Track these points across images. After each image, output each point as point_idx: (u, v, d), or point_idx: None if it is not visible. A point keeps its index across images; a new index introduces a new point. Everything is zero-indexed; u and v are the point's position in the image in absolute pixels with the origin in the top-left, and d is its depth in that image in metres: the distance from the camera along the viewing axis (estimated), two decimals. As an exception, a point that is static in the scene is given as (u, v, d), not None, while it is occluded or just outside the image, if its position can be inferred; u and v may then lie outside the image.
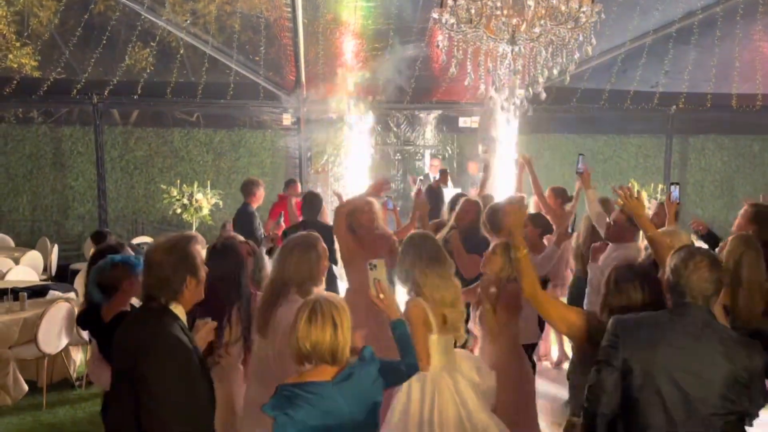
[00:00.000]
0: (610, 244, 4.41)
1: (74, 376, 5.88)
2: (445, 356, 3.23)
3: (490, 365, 3.52)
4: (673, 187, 4.10)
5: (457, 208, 4.91)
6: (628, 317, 2.42)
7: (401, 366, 2.51)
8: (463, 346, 3.58)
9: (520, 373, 3.68)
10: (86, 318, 3.37)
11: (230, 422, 3.21)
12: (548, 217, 5.06)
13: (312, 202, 5.69)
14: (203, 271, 2.48)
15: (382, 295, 2.64)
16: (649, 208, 9.45)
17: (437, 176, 9.31)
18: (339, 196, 5.81)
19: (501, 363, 3.57)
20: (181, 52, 10.21)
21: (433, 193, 6.60)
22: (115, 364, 2.42)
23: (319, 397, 2.17)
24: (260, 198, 6.82)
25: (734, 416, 2.30)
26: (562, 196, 5.68)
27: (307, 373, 2.25)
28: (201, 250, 2.51)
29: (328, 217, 6.12)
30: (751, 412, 2.37)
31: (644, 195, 9.57)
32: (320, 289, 3.15)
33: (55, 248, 8.99)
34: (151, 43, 10.06)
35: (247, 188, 6.79)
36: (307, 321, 2.22)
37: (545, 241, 4.89)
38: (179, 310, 2.41)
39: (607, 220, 4.46)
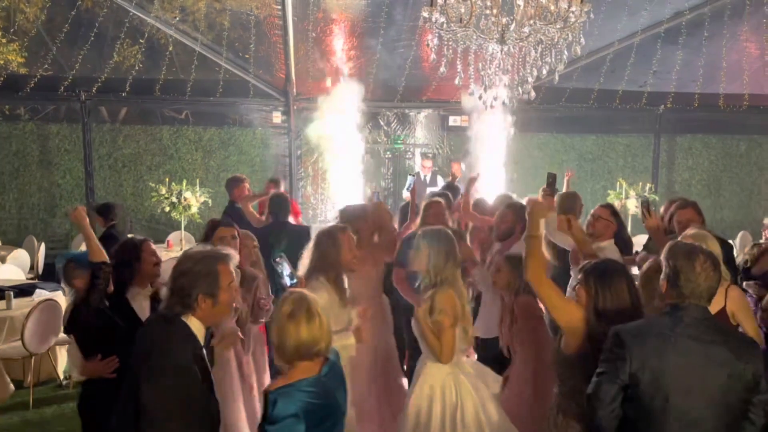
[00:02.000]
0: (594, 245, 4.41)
1: (61, 375, 5.84)
2: (457, 355, 3.26)
3: (514, 377, 3.52)
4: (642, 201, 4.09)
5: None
6: (629, 327, 2.33)
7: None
8: None
9: (544, 386, 3.43)
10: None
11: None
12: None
13: (282, 203, 5.57)
14: (226, 294, 2.41)
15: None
16: (638, 207, 9.57)
17: (428, 175, 9.34)
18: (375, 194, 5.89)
19: (524, 375, 3.51)
20: (170, 49, 10.15)
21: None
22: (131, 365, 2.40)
23: (312, 392, 2.21)
24: (244, 193, 6.72)
25: (742, 420, 2.27)
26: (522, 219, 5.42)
27: (291, 373, 2.26)
28: (231, 271, 2.44)
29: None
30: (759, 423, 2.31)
31: (632, 193, 9.65)
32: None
33: (42, 247, 8.92)
34: (140, 40, 9.99)
35: (229, 186, 6.73)
36: (294, 318, 2.24)
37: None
38: (194, 323, 2.35)
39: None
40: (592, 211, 4.52)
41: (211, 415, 2.36)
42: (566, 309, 2.66)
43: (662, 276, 2.40)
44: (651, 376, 2.22)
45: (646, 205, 3.96)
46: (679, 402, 2.20)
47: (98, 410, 3.03)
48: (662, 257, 2.42)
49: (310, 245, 3.56)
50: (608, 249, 4.32)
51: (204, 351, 2.41)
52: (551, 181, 4.64)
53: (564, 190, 5.82)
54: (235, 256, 2.52)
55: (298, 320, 2.23)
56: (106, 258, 3.21)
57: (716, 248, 3.02)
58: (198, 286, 2.33)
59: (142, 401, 2.18)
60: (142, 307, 3.27)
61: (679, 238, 3.17)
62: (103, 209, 6.17)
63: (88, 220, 3.30)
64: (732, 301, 3.22)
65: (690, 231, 3.44)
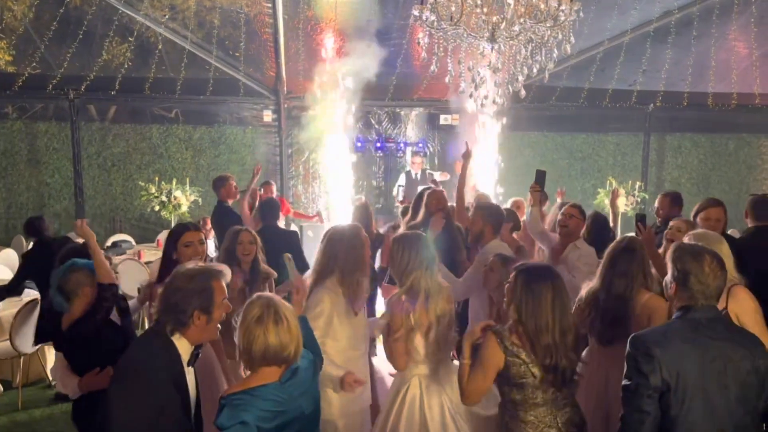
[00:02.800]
0: (570, 244, 4.45)
1: (50, 375, 5.80)
2: (432, 367, 3.11)
3: None
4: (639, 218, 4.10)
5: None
6: (649, 334, 2.34)
7: (317, 360, 2.54)
8: None
9: None
10: (45, 329, 3.30)
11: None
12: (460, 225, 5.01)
13: (271, 208, 5.57)
14: (219, 311, 2.38)
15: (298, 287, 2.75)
16: (627, 205, 9.64)
17: (419, 173, 9.34)
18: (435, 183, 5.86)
19: None
20: (160, 47, 10.10)
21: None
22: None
23: (270, 400, 2.16)
24: (231, 192, 6.70)
25: (756, 415, 2.33)
26: (513, 219, 5.17)
27: (250, 378, 2.21)
28: (224, 287, 2.42)
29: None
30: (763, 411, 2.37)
31: (622, 191, 9.70)
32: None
33: (31, 246, 8.84)
34: (129, 38, 9.92)
35: (216, 186, 6.71)
36: (261, 323, 2.17)
37: (515, 236, 5.00)
38: (182, 343, 2.32)
39: (551, 234, 4.59)
40: (563, 209, 4.57)
41: None
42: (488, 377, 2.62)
43: (669, 278, 2.42)
44: (679, 380, 2.24)
45: (642, 221, 4.01)
46: (707, 402, 2.25)
47: (96, 420, 3.02)
48: (669, 260, 2.44)
49: (320, 246, 3.36)
50: (583, 248, 4.36)
51: (185, 370, 2.36)
52: (540, 178, 4.71)
53: (556, 203, 5.87)
54: (227, 272, 2.47)
55: (266, 324, 2.17)
56: (114, 279, 3.18)
57: (725, 249, 3.06)
58: (193, 302, 2.30)
59: (110, 413, 2.14)
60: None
61: (685, 239, 3.17)
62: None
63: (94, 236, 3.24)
64: (736, 302, 3.10)
65: (694, 232, 3.43)
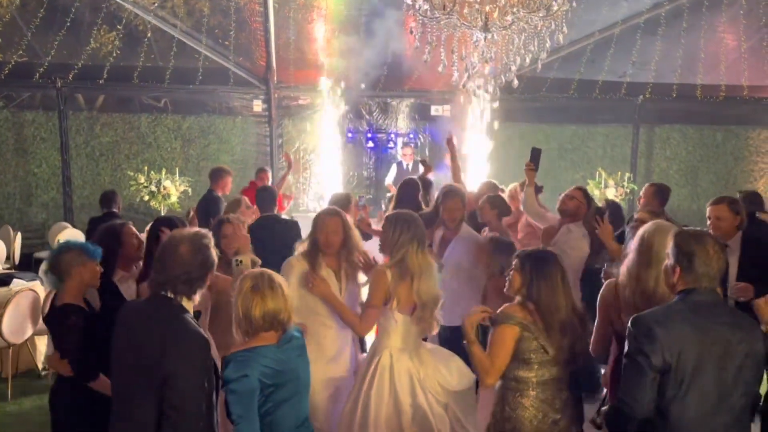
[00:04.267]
0: (563, 226, 4.48)
1: (40, 365, 5.77)
2: (405, 341, 3.27)
3: None
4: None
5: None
6: (650, 315, 2.37)
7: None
8: None
9: None
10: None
11: None
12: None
13: (268, 197, 5.49)
14: (213, 275, 2.56)
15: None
16: (616, 196, 9.69)
17: (410, 164, 9.33)
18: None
19: None
20: (149, 35, 10.00)
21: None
22: (131, 359, 2.38)
23: (270, 358, 2.39)
24: (226, 187, 6.69)
25: (750, 399, 2.38)
26: (500, 206, 5.04)
27: (250, 341, 2.43)
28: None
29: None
30: (760, 393, 2.47)
31: (611, 182, 9.77)
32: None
33: (18, 236, 8.77)
34: (118, 27, 9.82)
35: (216, 175, 6.69)
36: (253, 290, 2.41)
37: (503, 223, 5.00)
38: (188, 306, 2.46)
39: (549, 213, 4.61)
40: (566, 191, 4.59)
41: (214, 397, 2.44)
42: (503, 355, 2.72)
43: (671, 263, 2.43)
44: (679, 361, 2.27)
45: (600, 214, 4.10)
46: (704, 384, 2.29)
47: (67, 405, 3.04)
48: (671, 244, 2.45)
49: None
50: (575, 232, 4.38)
51: None
52: (535, 156, 4.72)
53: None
54: (209, 235, 2.61)
55: (263, 292, 2.40)
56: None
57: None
58: (205, 267, 2.45)
59: (170, 370, 2.25)
60: (129, 290, 3.25)
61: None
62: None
63: None
64: None
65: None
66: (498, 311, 2.78)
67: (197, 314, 2.63)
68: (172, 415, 2.23)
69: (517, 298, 2.76)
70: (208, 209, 6.14)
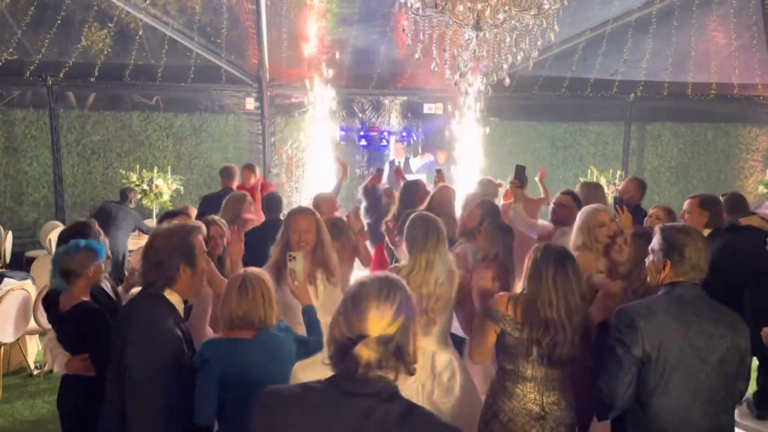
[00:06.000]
0: (558, 230, 4.50)
1: (32, 364, 5.75)
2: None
3: None
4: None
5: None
6: (635, 306, 2.40)
7: (310, 342, 2.77)
8: None
9: None
10: (49, 301, 3.27)
11: None
12: None
13: (274, 202, 5.50)
14: (202, 263, 2.54)
15: (296, 283, 2.92)
16: (608, 193, 9.73)
17: (402, 161, 9.34)
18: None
19: None
20: (140, 33, 9.95)
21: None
22: (114, 353, 2.38)
23: (240, 350, 2.45)
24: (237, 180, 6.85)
25: (735, 393, 2.42)
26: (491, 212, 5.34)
27: (230, 332, 2.52)
28: (202, 242, 2.57)
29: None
30: (743, 389, 2.48)
31: (603, 180, 9.81)
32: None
33: (9, 235, 8.73)
34: (109, 24, 9.76)
35: (226, 175, 6.82)
36: (239, 292, 2.49)
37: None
38: (175, 298, 2.44)
39: (540, 222, 4.64)
40: (554, 199, 4.60)
41: (190, 385, 2.41)
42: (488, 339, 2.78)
43: (659, 257, 2.46)
44: (660, 352, 2.31)
45: (620, 203, 4.12)
46: (686, 375, 2.32)
47: (78, 405, 3.02)
48: (657, 239, 2.49)
49: None
50: (569, 233, 4.39)
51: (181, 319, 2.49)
52: (519, 174, 4.76)
53: (541, 188, 5.93)
54: (202, 227, 2.63)
55: (245, 293, 2.49)
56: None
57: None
58: (177, 257, 2.42)
59: (125, 363, 2.24)
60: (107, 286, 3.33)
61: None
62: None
63: None
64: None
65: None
66: (490, 301, 2.81)
67: (188, 308, 2.60)
68: (128, 411, 2.23)
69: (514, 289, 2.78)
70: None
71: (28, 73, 9.05)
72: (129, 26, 10.39)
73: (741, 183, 12.25)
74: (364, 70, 10.00)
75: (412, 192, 5.38)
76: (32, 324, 5.47)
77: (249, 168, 7.80)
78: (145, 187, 9.05)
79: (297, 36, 9.78)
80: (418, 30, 4.81)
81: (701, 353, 2.32)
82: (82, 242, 3.15)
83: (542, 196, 6.00)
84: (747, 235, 4.39)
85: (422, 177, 8.80)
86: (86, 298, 3.09)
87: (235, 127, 11.16)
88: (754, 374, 2.96)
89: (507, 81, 5.15)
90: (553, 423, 2.69)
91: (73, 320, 3.05)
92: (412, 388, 3.15)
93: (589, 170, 10.22)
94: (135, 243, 7.74)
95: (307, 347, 2.72)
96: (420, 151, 10.83)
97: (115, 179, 10.41)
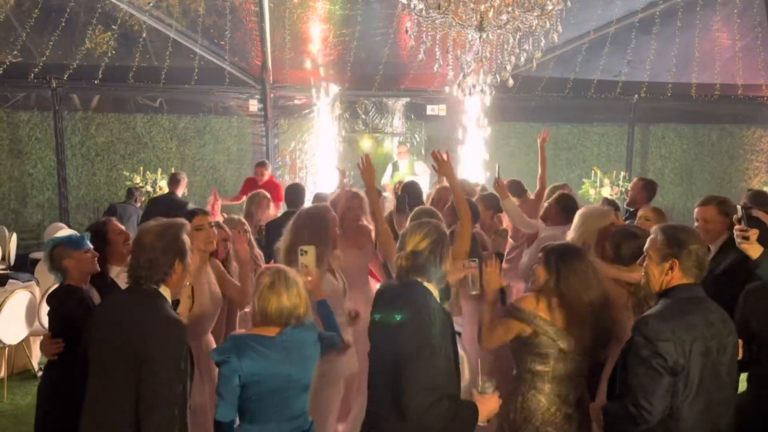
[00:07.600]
0: (544, 226, 4.48)
1: (36, 366, 5.75)
2: None
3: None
4: None
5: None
6: (656, 316, 2.33)
7: (333, 338, 2.83)
8: None
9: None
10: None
11: None
12: None
13: (296, 193, 5.64)
14: (191, 256, 2.59)
15: (309, 278, 2.92)
16: (612, 195, 9.72)
17: (405, 162, 9.34)
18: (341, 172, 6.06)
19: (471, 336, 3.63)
20: (144, 35, 9.98)
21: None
22: (108, 345, 2.40)
23: (265, 348, 2.47)
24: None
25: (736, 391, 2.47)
26: (494, 206, 5.08)
27: (255, 329, 2.54)
28: (188, 238, 2.59)
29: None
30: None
31: (606, 181, 9.80)
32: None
33: (14, 237, 8.75)
34: (113, 27, 9.79)
35: (174, 179, 7.48)
36: (270, 287, 2.51)
37: (497, 221, 5.03)
38: (166, 293, 2.48)
39: (530, 220, 4.61)
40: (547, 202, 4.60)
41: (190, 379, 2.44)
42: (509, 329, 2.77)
43: (664, 257, 2.40)
44: (690, 358, 2.26)
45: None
46: (708, 379, 2.29)
47: (54, 388, 3.04)
48: (660, 240, 2.43)
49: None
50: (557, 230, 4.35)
51: None
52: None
53: (539, 152, 5.74)
54: (187, 225, 2.64)
55: (278, 289, 2.50)
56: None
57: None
58: (171, 253, 2.46)
59: (147, 353, 2.27)
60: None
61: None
62: None
63: None
64: None
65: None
66: (514, 300, 2.80)
67: (176, 302, 2.67)
68: (148, 396, 2.26)
69: (548, 291, 2.70)
70: None
71: (33, 75, 9.08)
72: (133, 28, 10.44)
73: (745, 184, 12.20)
74: (368, 71, 10.00)
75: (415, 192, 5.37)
76: (36, 325, 5.48)
77: (262, 165, 8.28)
78: (148, 188, 9.08)
79: (300, 38, 9.80)
80: (421, 32, 4.81)
81: (719, 354, 2.31)
82: (57, 238, 3.20)
83: (539, 168, 5.78)
84: None
85: (425, 177, 8.85)
86: (84, 286, 3.13)
87: (238, 129, 11.17)
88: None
89: (510, 82, 5.14)
90: (581, 416, 2.71)
91: (51, 300, 3.14)
92: None
93: (593, 171, 10.21)
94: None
95: (331, 341, 2.79)
96: (423, 152, 10.84)
97: (119, 181, 10.44)
